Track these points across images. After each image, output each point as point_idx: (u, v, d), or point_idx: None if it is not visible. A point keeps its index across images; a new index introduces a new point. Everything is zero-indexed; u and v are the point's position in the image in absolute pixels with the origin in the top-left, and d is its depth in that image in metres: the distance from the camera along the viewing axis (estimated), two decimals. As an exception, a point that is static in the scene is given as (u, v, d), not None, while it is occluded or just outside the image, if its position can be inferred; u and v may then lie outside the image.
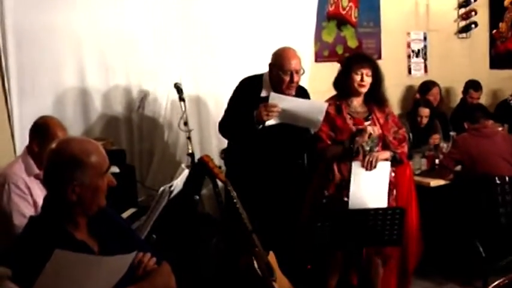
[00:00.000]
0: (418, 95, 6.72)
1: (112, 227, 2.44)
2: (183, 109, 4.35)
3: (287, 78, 4.23)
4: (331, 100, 4.45)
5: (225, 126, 4.42)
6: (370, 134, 4.27)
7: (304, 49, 5.64)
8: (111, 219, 2.47)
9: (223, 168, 4.48)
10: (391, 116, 4.53)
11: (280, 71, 4.24)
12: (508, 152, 5.19)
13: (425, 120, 6.13)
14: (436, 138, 5.91)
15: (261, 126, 4.18)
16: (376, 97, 4.43)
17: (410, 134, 5.93)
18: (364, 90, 4.37)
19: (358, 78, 4.33)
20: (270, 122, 4.19)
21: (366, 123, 4.39)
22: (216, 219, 4.37)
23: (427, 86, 6.77)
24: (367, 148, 4.32)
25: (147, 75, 5.12)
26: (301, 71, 4.30)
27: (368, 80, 4.34)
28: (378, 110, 4.45)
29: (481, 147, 5.13)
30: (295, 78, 4.25)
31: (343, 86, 4.41)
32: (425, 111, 6.13)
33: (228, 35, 5.47)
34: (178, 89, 4.51)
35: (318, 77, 5.68)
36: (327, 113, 4.27)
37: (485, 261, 4.98)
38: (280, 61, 4.25)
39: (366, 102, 4.46)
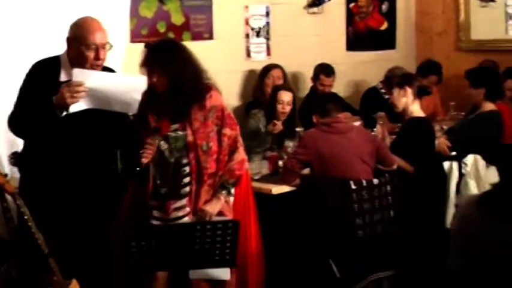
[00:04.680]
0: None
1: None
2: None
3: (91, 54, 4.32)
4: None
5: (17, 120, 4.40)
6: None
7: (116, 26, 5.75)
8: None
9: (16, 176, 4.52)
10: (216, 112, 4.54)
11: (83, 46, 4.31)
12: (365, 150, 5.49)
13: (288, 108, 6.44)
14: (276, 123, 6.23)
15: (64, 113, 4.20)
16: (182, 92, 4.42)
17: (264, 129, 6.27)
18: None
19: None
20: (76, 107, 4.22)
21: (173, 126, 4.47)
22: (6, 240, 4.39)
23: (267, 69, 7.10)
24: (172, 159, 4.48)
25: None
26: (108, 46, 4.40)
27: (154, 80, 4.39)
28: (198, 107, 4.50)
29: (333, 146, 5.39)
30: (101, 55, 4.35)
31: None
32: (287, 95, 6.45)
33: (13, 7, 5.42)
34: None
35: (134, 59, 5.78)
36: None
37: (341, 283, 5.29)
38: (82, 33, 4.32)
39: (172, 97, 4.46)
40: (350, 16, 8.31)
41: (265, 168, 5.83)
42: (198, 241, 4.02)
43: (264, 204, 5.28)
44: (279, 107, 6.43)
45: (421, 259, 5.50)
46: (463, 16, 8.75)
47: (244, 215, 5.01)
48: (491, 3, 8.88)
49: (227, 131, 4.54)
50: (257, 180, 5.59)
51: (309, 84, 7.59)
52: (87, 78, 4.21)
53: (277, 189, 5.50)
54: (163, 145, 4.43)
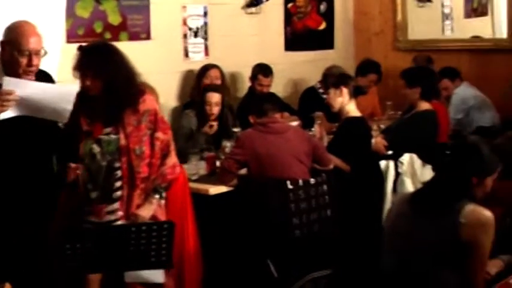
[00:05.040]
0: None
1: None
2: None
3: (24, 60, 4.30)
4: None
5: None
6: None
7: (51, 26, 5.69)
8: None
9: None
10: (149, 116, 4.53)
11: (16, 51, 4.28)
12: (302, 150, 5.56)
13: (216, 109, 6.45)
14: (212, 125, 6.26)
15: None
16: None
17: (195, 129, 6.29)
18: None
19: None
20: (6, 115, 4.19)
21: (106, 129, 4.47)
22: None
23: (205, 69, 7.12)
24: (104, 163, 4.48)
25: None
26: (42, 52, 4.39)
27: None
28: (131, 111, 4.49)
29: (270, 146, 5.46)
30: (35, 61, 4.32)
31: None
32: (215, 97, 6.46)
33: None
34: None
35: (70, 60, 5.77)
36: None
37: (279, 283, 5.33)
38: (16, 38, 4.30)
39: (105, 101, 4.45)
40: (288, 16, 8.38)
41: (202, 168, 5.85)
42: (133, 243, 4.01)
43: (202, 205, 5.34)
44: (207, 108, 6.46)
45: (358, 258, 5.57)
46: (400, 16, 8.87)
47: (181, 216, 5.06)
48: (428, 4, 9.03)
49: (160, 135, 4.54)
50: (194, 181, 5.62)
51: (247, 84, 7.64)
52: (18, 87, 4.19)
53: (215, 189, 5.53)
54: (96, 148, 4.43)
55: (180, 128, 6.52)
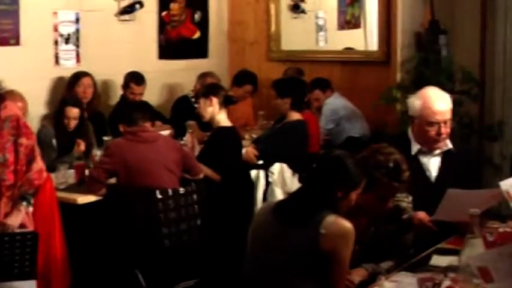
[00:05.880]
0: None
1: None
2: None
3: None
4: None
5: None
6: None
7: None
8: None
9: None
10: (11, 122, 4.45)
11: None
12: (172, 159, 5.63)
13: (73, 123, 6.42)
14: (80, 143, 6.21)
15: None
16: None
17: (54, 140, 6.22)
18: None
19: None
20: None
21: None
22: None
23: (77, 76, 7.08)
24: None
25: None
26: None
27: None
28: None
29: (139, 155, 5.49)
30: None
31: None
32: (73, 112, 6.42)
33: None
34: None
35: None
36: None
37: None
38: None
39: None
40: (162, 24, 8.38)
41: (71, 177, 5.80)
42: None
43: (70, 214, 5.31)
44: (65, 121, 6.42)
45: (227, 267, 5.64)
46: (274, 27, 8.96)
47: (49, 225, 5.04)
48: (303, 15, 9.18)
49: (23, 140, 4.48)
50: (62, 190, 5.57)
51: (119, 92, 7.62)
52: None
53: (83, 198, 5.51)
54: None
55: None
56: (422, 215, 4.34)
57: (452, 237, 4.31)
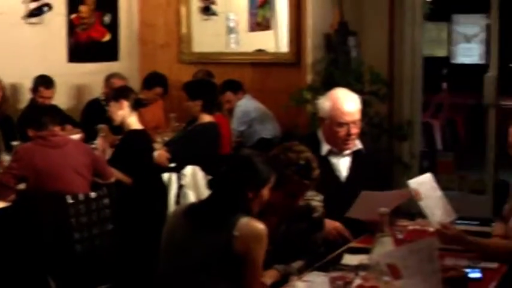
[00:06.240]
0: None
1: None
2: None
3: None
4: None
5: None
6: None
7: None
8: None
9: None
10: None
11: None
12: (82, 164, 5.59)
13: None
14: None
15: None
16: None
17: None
18: None
19: None
20: None
21: None
22: None
23: None
24: None
25: None
26: None
27: None
28: None
29: (49, 160, 5.43)
30: None
31: None
32: None
33: None
34: None
35: None
36: None
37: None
38: None
39: None
40: (71, 27, 8.30)
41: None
42: None
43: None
44: None
45: (139, 271, 5.63)
46: (184, 29, 8.96)
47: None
48: (213, 17, 9.20)
49: None
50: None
51: (28, 95, 7.51)
52: None
53: (-7, 205, 5.42)
54: None
55: None
56: (336, 224, 4.43)
57: (362, 236, 4.39)
